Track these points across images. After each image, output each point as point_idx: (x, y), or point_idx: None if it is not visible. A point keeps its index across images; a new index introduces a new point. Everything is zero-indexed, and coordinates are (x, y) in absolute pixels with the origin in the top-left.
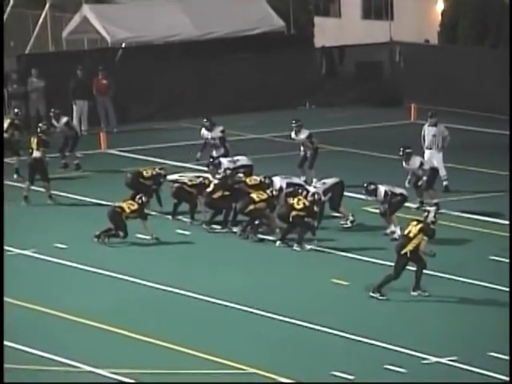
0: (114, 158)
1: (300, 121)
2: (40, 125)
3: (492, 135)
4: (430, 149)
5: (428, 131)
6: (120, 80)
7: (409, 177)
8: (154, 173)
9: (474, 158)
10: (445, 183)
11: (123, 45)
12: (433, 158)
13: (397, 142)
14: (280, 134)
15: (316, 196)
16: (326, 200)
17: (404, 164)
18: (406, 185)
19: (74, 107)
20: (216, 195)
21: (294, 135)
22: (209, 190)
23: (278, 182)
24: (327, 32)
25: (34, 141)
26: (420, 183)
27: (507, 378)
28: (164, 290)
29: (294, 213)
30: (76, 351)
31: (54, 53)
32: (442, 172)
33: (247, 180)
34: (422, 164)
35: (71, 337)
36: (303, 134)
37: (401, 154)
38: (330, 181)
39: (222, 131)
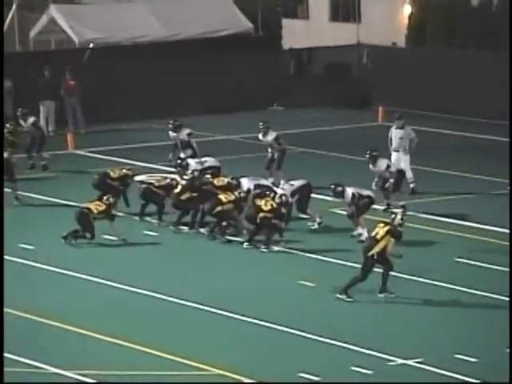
0: (81, 158)
1: (267, 122)
2: (7, 125)
3: (458, 137)
4: (397, 151)
5: (395, 133)
6: (88, 81)
7: (376, 179)
8: (122, 173)
9: (440, 160)
10: (411, 185)
11: (91, 45)
12: (400, 160)
13: (364, 144)
14: (248, 136)
15: (283, 198)
16: (293, 202)
17: (371, 166)
18: (373, 187)
19: (41, 107)
20: (183, 196)
21: (261, 137)
22: (176, 191)
23: (246, 183)
24: (295, 34)
25: None
26: (387, 185)
27: (474, 381)
28: (131, 291)
29: (261, 214)
30: (41, 352)
31: (21, 53)
32: (409, 174)
33: (215, 181)
34: (388, 166)
35: (36, 338)
36: (270, 136)
37: (367, 156)
38: (297, 182)
39: (189, 134)
